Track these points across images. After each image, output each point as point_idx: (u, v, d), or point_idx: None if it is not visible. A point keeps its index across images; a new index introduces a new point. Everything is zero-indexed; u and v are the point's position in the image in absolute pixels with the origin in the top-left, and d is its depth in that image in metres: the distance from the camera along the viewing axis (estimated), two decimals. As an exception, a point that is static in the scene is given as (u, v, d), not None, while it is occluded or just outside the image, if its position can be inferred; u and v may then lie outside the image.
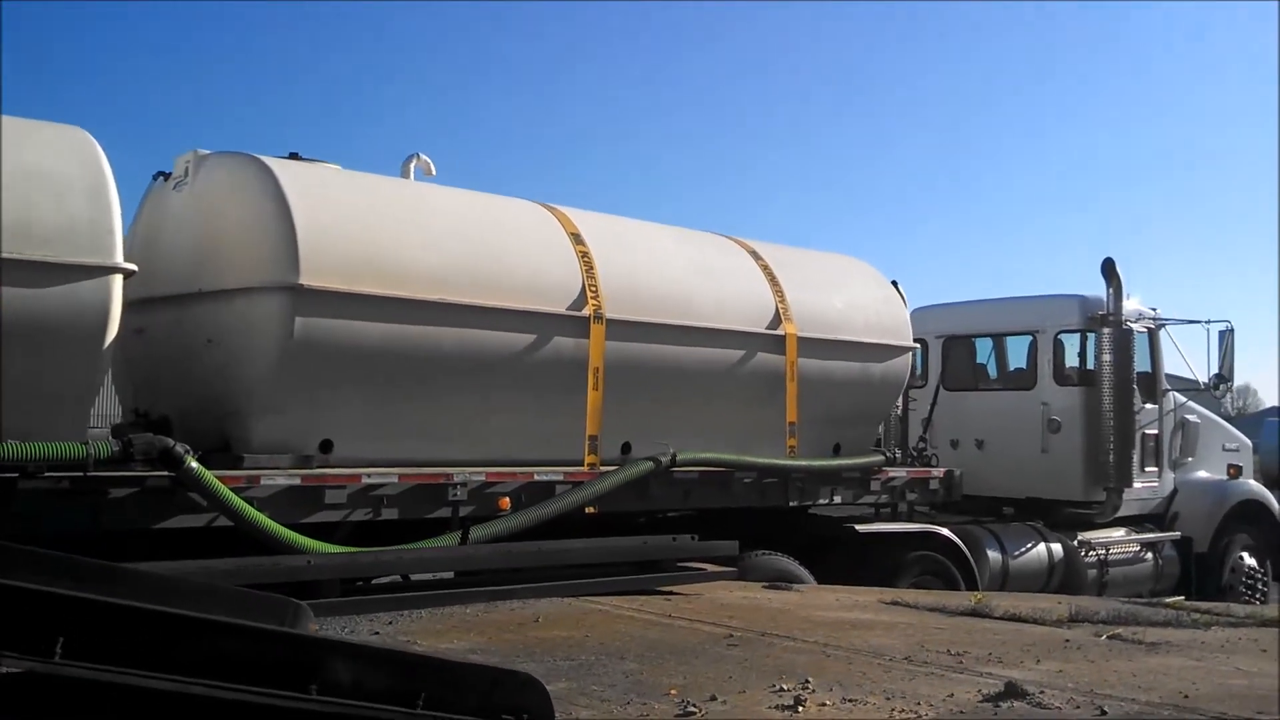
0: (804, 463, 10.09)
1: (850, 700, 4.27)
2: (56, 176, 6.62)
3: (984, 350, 14.42)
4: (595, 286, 8.84)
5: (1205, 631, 7.29)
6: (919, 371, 14.52)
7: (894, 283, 14.39)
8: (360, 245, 7.76)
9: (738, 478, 9.69)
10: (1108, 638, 6.58)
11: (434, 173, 9.56)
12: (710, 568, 8.08)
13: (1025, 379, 13.64)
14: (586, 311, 8.74)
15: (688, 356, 9.44)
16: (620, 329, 8.94)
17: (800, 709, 4.10)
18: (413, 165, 9.48)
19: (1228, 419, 15.76)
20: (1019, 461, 13.34)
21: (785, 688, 4.46)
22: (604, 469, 8.77)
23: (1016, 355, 14.06)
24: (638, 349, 9.11)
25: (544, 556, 7.46)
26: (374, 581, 7.69)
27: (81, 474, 6.43)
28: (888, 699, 4.33)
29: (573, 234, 9.02)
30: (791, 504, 10.11)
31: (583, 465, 8.78)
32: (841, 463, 10.44)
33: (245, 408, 7.60)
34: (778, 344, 10.04)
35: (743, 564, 9.54)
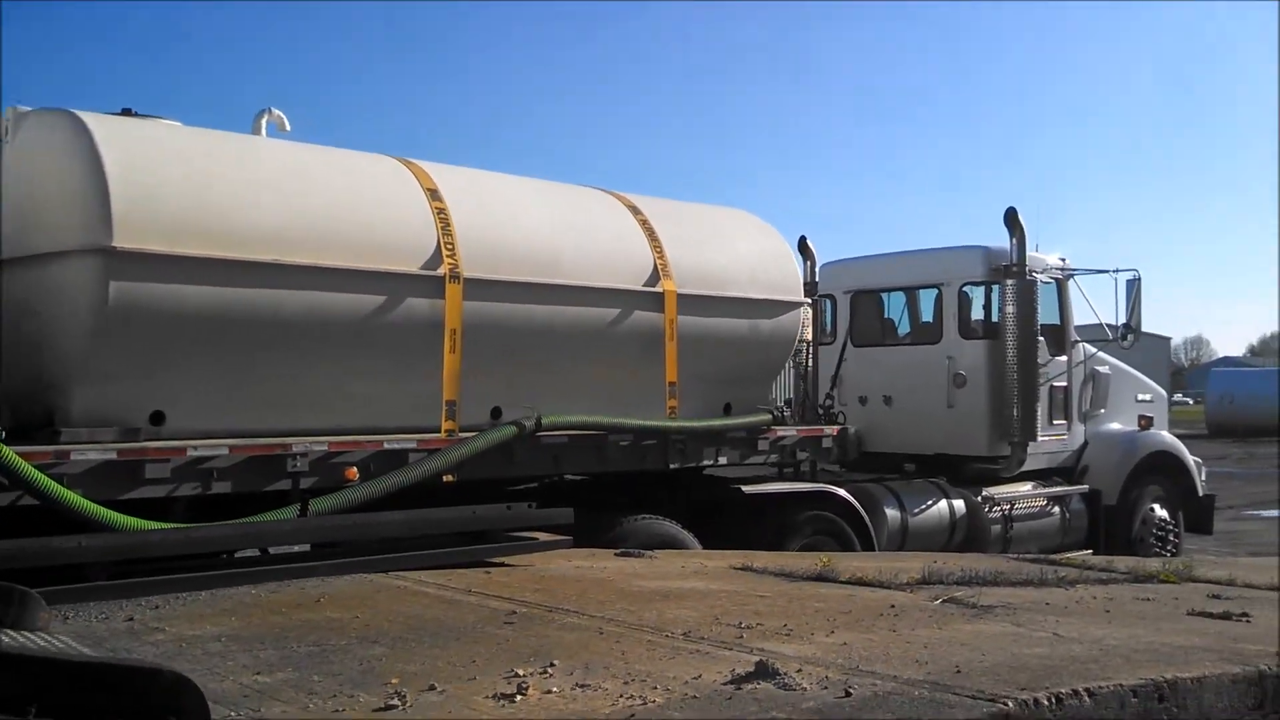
0: (683, 423, 9.79)
1: (583, 686, 3.99)
2: None
3: (893, 305, 14.16)
4: (452, 244, 8.45)
5: (1068, 590, 7.08)
6: (828, 328, 14.30)
7: (803, 239, 14.22)
8: (186, 204, 7.32)
9: (613, 441, 9.38)
10: (941, 601, 6.34)
11: (288, 128, 9.14)
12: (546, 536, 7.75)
13: (931, 333, 13.40)
14: (441, 271, 8.36)
15: (558, 317, 9.09)
16: (480, 289, 8.57)
17: (520, 698, 3.81)
18: (264, 120, 9.04)
19: (1179, 371, 15.64)
20: (926, 417, 13.14)
21: (520, 672, 4.17)
22: (463, 435, 8.43)
23: (925, 309, 13.80)
24: (501, 309, 8.75)
25: (358, 530, 7.09)
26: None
27: None
28: (626, 683, 4.05)
29: (429, 189, 8.61)
30: (672, 466, 9.82)
31: (440, 432, 8.43)
32: (725, 422, 10.15)
33: (63, 379, 7.19)
34: (656, 302, 9.71)
35: (621, 529, 9.29)
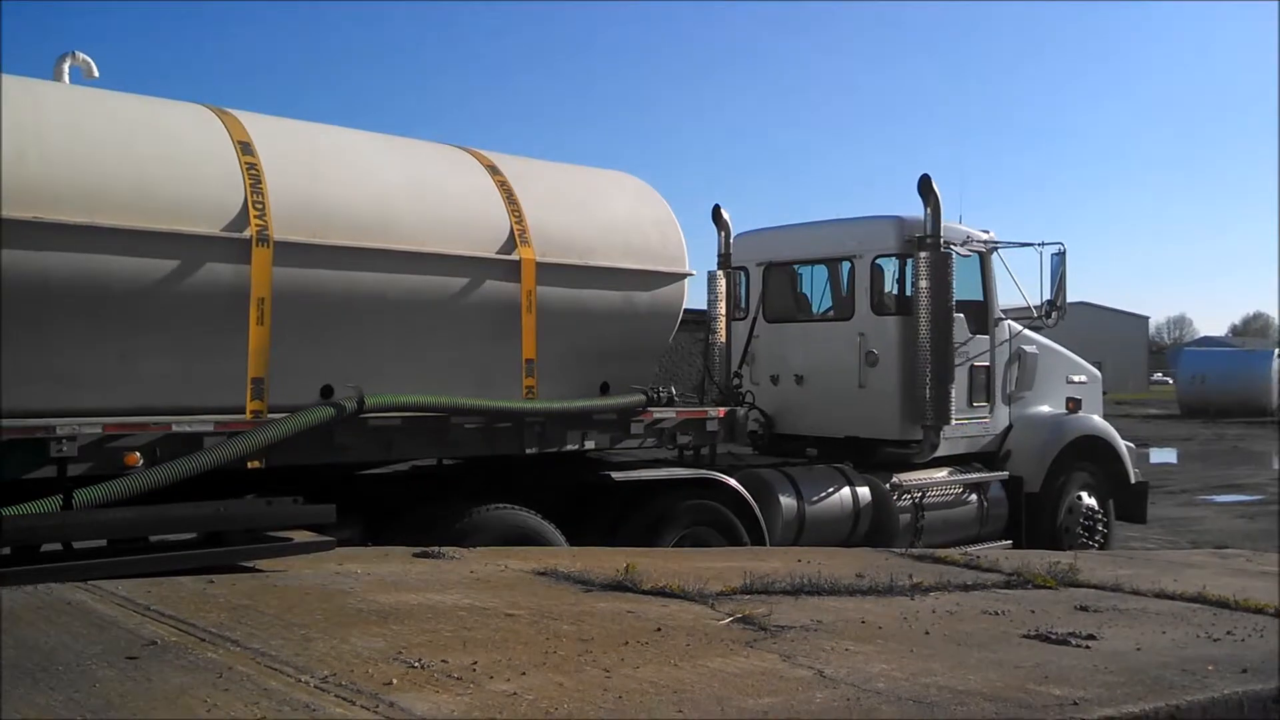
0: (538, 405, 8.94)
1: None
2: None
3: (806, 279, 13.30)
4: (262, 203, 7.56)
5: (911, 601, 6.29)
6: (742, 302, 13.44)
7: (716, 207, 13.34)
8: (-75, 153, 6.43)
9: (457, 423, 8.52)
10: (731, 621, 5.54)
11: (96, 75, 8.24)
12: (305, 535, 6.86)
13: (844, 308, 12.56)
14: (248, 233, 7.47)
15: (392, 286, 8.21)
16: (295, 253, 7.68)
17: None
18: (66, 65, 8.14)
19: (1159, 350, 14.80)
20: (837, 398, 12.33)
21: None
22: (273, 417, 7.57)
23: (839, 284, 12.95)
24: (321, 277, 7.87)
25: (72, 530, 6.18)
26: None
27: None
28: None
29: (241, 142, 7.71)
30: (529, 451, 8.97)
31: (244, 413, 7.56)
32: (589, 403, 9.30)
33: None
34: (511, 271, 8.84)
35: (470, 520, 8.46)
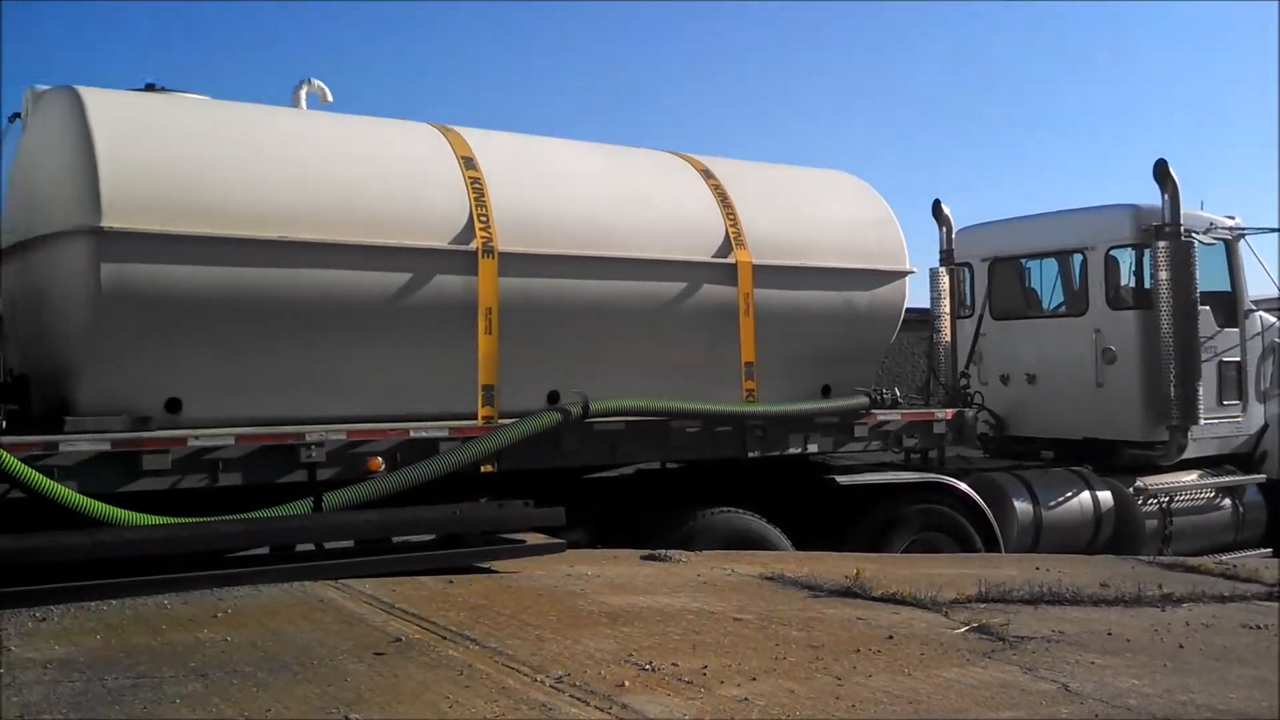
0: (759, 408, 8.86)
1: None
2: None
3: (1035, 273, 12.73)
4: (486, 216, 7.80)
5: (1161, 612, 5.89)
6: (967, 299, 12.99)
7: (937, 202, 12.95)
8: (185, 182, 6.91)
9: (678, 427, 8.55)
10: (967, 630, 5.29)
11: (330, 99, 8.67)
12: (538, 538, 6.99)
13: (1076, 303, 11.95)
14: (474, 245, 7.72)
15: (611, 293, 8.32)
16: (519, 264, 7.88)
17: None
18: (304, 92, 8.60)
19: None
20: (1073, 398, 11.75)
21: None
22: (502, 423, 7.78)
23: (1070, 277, 12.33)
24: (544, 286, 8.05)
25: (323, 532, 6.48)
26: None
27: None
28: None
29: (465, 158, 7.98)
30: (751, 455, 8.91)
31: (476, 419, 7.80)
32: (811, 406, 9.16)
33: (69, 365, 6.91)
34: (728, 274, 8.81)
35: (694, 524, 8.48)
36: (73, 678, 4.37)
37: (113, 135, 6.76)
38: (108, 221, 6.56)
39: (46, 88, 7.46)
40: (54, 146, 7.03)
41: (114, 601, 5.62)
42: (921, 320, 12.90)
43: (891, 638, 5.21)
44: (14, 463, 6.14)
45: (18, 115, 7.80)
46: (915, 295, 10.40)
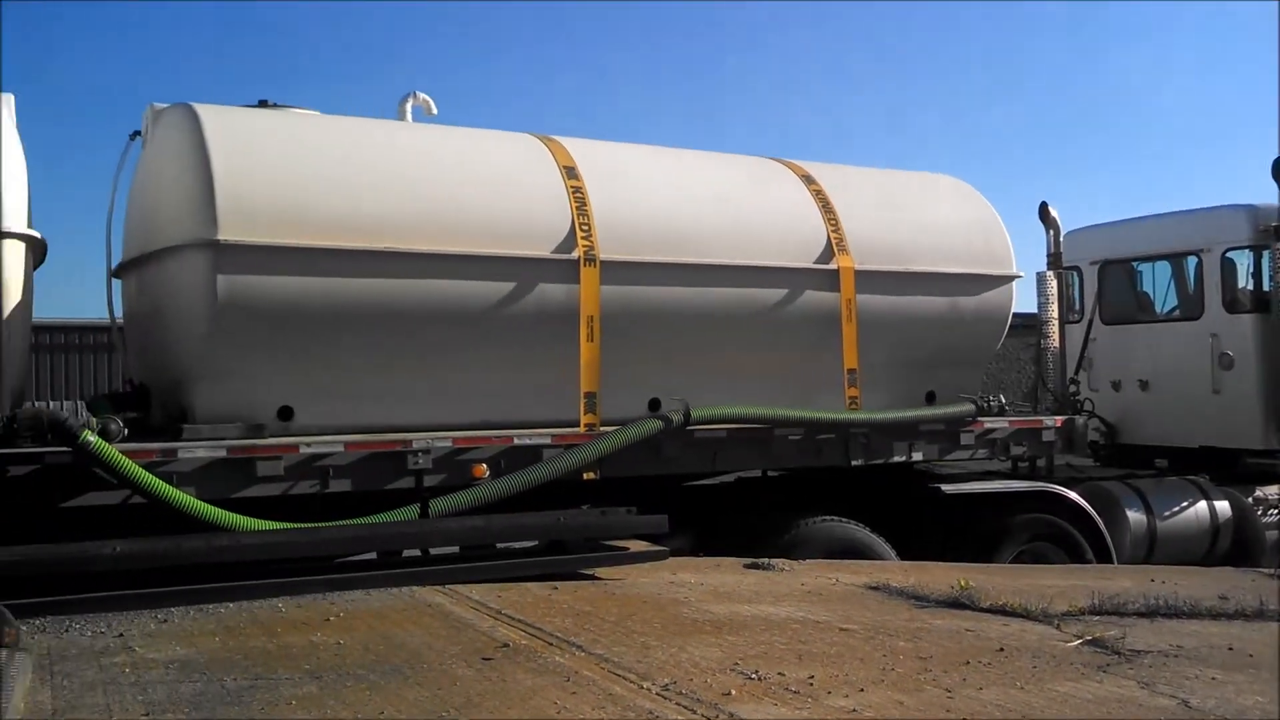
0: (862, 416, 8.75)
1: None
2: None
3: (1147, 276, 12.37)
4: (588, 225, 7.85)
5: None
6: (1075, 304, 12.68)
7: (1044, 204, 12.65)
8: (297, 195, 7.09)
9: (780, 435, 8.50)
10: (1081, 643, 5.13)
11: (434, 112, 8.80)
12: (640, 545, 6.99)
13: (1191, 307, 11.57)
14: (576, 254, 7.77)
15: (712, 300, 8.31)
16: (620, 272, 7.92)
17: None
18: (409, 105, 8.75)
19: None
20: (1188, 404, 11.37)
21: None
22: (604, 430, 7.82)
23: (1184, 280, 11.95)
24: (645, 293, 8.07)
25: (430, 538, 6.56)
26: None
27: (-34, 453, 6.09)
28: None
29: (566, 167, 8.05)
30: (854, 463, 8.81)
31: (578, 427, 7.85)
32: (916, 413, 9.02)
33: (186, 375, 7.14)
34: (830, 280, 8.73)
35: (797, 533, 8.42)
36: (193, 678, 4.50)
37: (228, 151, 6.97)
38: (223, 235, 6.76)
39: (165, 106, 7.72)
40: (172, 162, 7.27)
41: (231, 604, 5.78)
42: (1028, 325, 12.65)
43: (1002, 650, 5.10)
44: (135, 469, 6.36)
45: (138, 133, 8.09)
46: (1022, 300, 10.21)
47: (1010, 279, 9.62)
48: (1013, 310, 9.77)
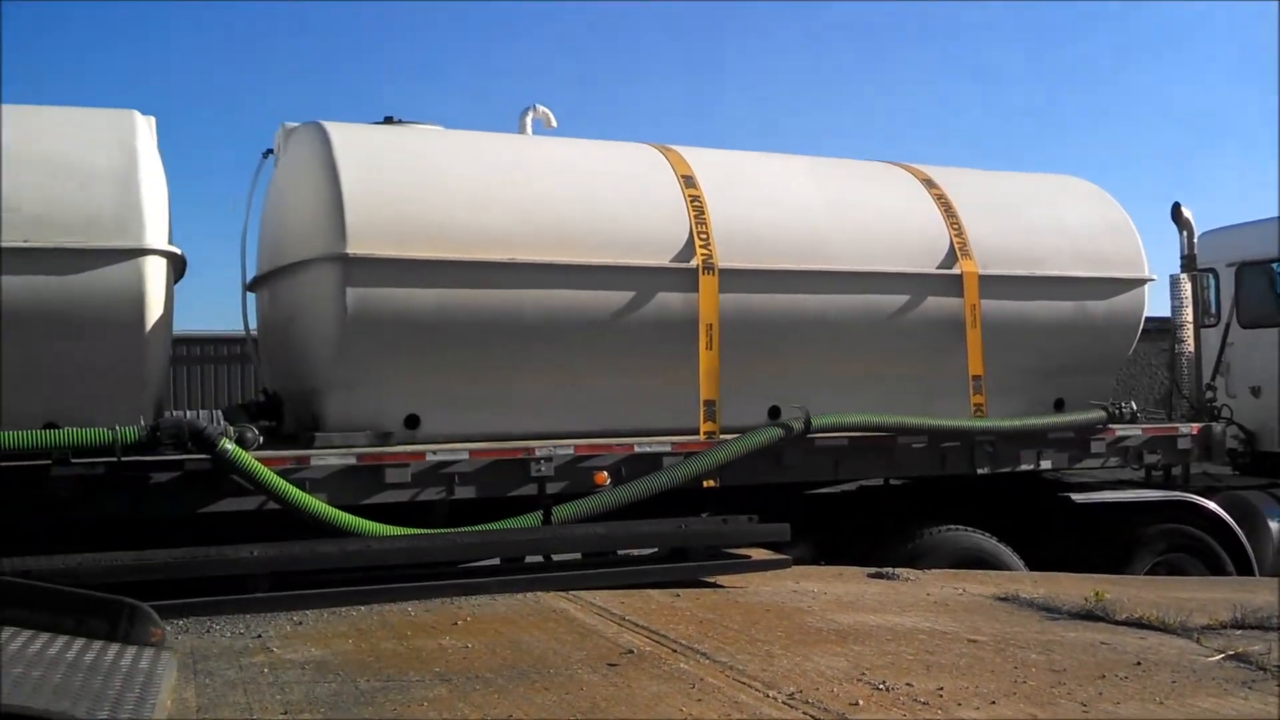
0: (988, 423, 8.57)
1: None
2: (83, 164, 6.59)
3: (1290, 277, 11.83)
4: (706, 234, 7.86)
5: None
6: (1211, 307, 12.20)
7: (1176, 205, 12.24)
8: (423, 208, 7.27)
9: (904, 443, 8.37)
10: (1223, 658, 4.92)
11: (554, 124, 8.92)
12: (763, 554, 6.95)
13: (1337, 309, 11.04)
14: (694, 262, 7.79)
15: (831, 306, 8.24)
16: (739, 280, 7.92)
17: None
18: (529, 118, 8.88)
19: None
20: (1336, 411, 10.85)
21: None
22: (723, 438, 7.81)
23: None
24: (764, 301, 8.05)
25: (553, 544, 6.62)
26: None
27: (115, 459, 6.36)
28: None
29: (684, 176, 8.08)
30: (980, 471, 8.63)
31: (698, 434, 7.85)
32: (1044, 421, 8.80)
33: (317, 385, 7.36)
34: (953, 285, 8.58)
35: (920, 542, 8.29)
36: (328, 679, 4.63)
37: (356, 167, 7.17)
38: (353, 249, 6.96)
39: (296, 124, 7.98)
40: (303, 179, 7.51)
41: (362, 607, 5.92)
42: (1161, 330, 12.22)
43: (1139, 664, 4.94)
44: (271, 476, 6.58)
45: (270, 151, 8.37)
46: (1154, 304, 9.90)
47: (1141, 282, 9.33)
48: (1145, 314, 9.46)
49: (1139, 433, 9.21)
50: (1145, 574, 8.75)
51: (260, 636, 5.34)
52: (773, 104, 41.63)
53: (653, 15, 41.19)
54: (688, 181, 8.04)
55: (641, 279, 7.70)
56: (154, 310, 6.66)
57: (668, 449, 7.66)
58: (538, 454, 7.31)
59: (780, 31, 41.64)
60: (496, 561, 6.85)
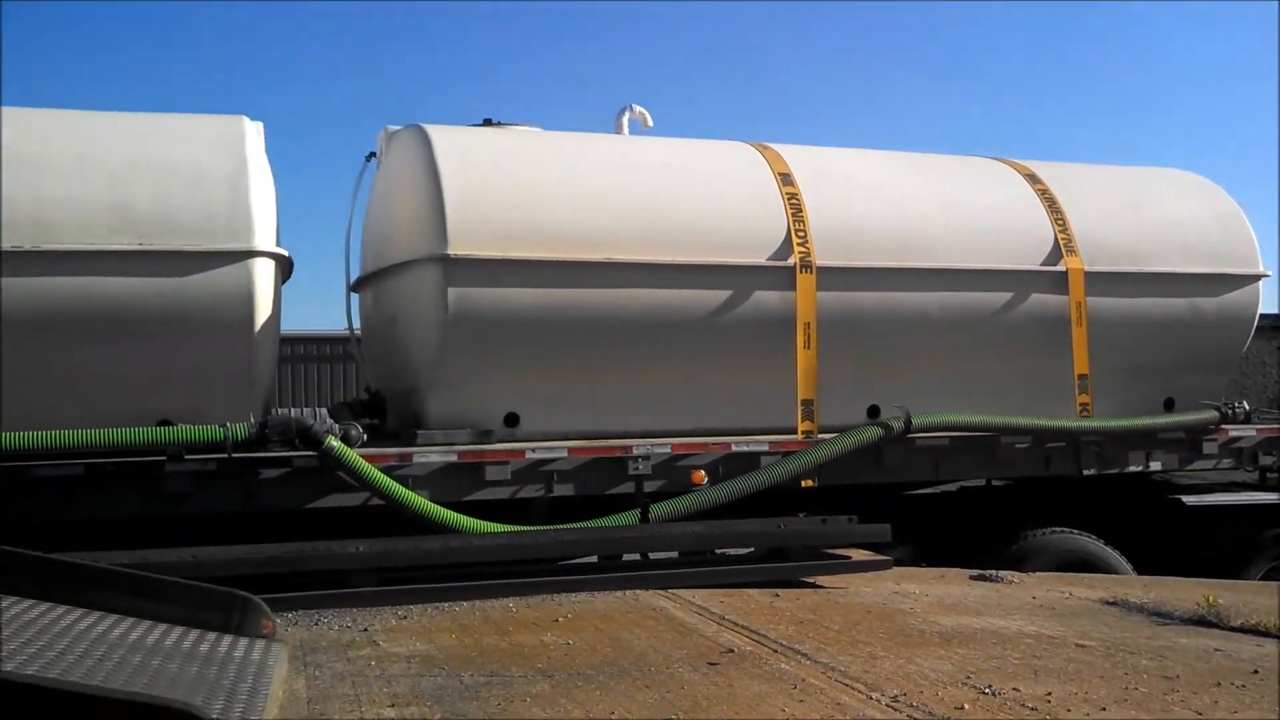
0: (1095, 424, 8.37)
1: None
2: (195, 167, 6.80)
3: None
4: (803, 232, 7.81)
5: None
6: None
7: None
8: (522, 209, 7.34)
9: (1007, 443, 8.22)
10: None
11: (650, 124, 8.97)
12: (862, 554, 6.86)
13: None
14: (792, 261, 7.74)
15: (931, 304, 8.13)
16: (836, 278, 7.85)
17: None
18: (626, 119, 8.93)
19: None
20: None
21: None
22: (821, 437, 7.75)
23: None
24: (862, 299, 7.97)
25: (651, 542, 6.61)
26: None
27: (226, 455, 6.55)
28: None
29: (781, 174, 8.03)
30: (1086, 472, 8.44)
31: (795, 434, 7.80)
32: (1152, 421, 8.57)
33: (419, 383, 7.47)
34: (1058, 282, 8.40)
35: (1024, 544, 8.14)
36: (434, 672, 4.70)
37: (456, 169, 7.27)
38: (453, 250, 7.06)
39: (398, 128, 8.12)
40: (404, 181, 7.64)
41: (465, 603, 6.00)
42: (1277, 327, 11.85)
43: (1256, 672, 4.77)
44: (375, 473, 6.71)
45: (373, 154, 8.54)
46: (1269, 300, 9.58)
47: (1256, 278, 9.02)
48: (1259, 311, 9.16)
49: (1253, 433, 8.91)
50: (1261, 579, 8.48)
51: (366, 630, 5.44)
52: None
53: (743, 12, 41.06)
54: (785, 179, 8.00)
55: (739, 277, 7.68)
56: (263, 310, 6.83)
57: (765, 448, 7.63)
58: (635, 452, 7.35)
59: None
60: (595, 559, 6.89)
